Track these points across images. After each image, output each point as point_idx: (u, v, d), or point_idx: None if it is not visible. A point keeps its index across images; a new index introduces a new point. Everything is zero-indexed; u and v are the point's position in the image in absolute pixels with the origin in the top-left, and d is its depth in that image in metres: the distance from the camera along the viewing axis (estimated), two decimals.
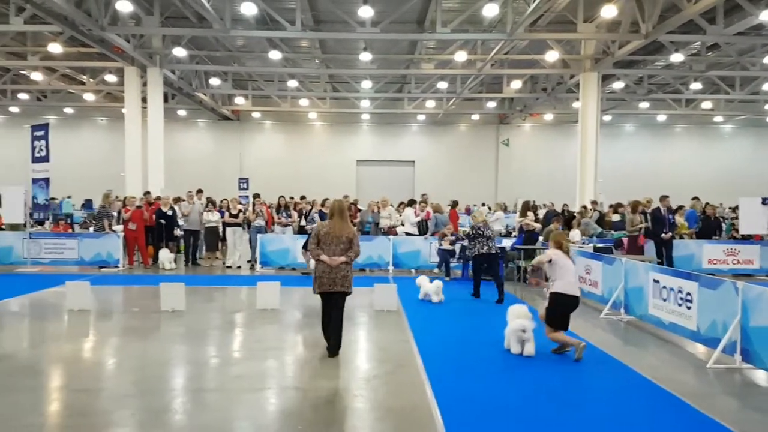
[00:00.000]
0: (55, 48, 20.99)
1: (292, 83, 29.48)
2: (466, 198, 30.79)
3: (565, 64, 23.74)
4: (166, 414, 5.55)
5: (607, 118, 34.60)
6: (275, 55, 22.22)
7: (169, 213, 16.37)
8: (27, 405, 5.69)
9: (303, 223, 16.45)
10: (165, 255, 15.67)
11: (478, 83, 29.74)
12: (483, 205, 28.52)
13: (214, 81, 29.14)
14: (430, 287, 11.51)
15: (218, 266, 16.31)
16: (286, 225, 16.51)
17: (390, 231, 16.59)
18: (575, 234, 15.53)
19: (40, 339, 8.59)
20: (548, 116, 36.35)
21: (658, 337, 9.00)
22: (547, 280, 8.56)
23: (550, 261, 7.86)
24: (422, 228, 16.32)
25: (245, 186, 29.81)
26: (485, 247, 11.56)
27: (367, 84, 28.87)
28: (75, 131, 35.84)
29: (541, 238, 14.23)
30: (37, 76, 27.48)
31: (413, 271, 15.53)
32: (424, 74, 27.26)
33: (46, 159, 14.90)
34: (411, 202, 17.49)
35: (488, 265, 11.79)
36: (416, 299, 11.53)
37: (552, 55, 21.28)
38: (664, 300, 8.93)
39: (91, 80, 28.97)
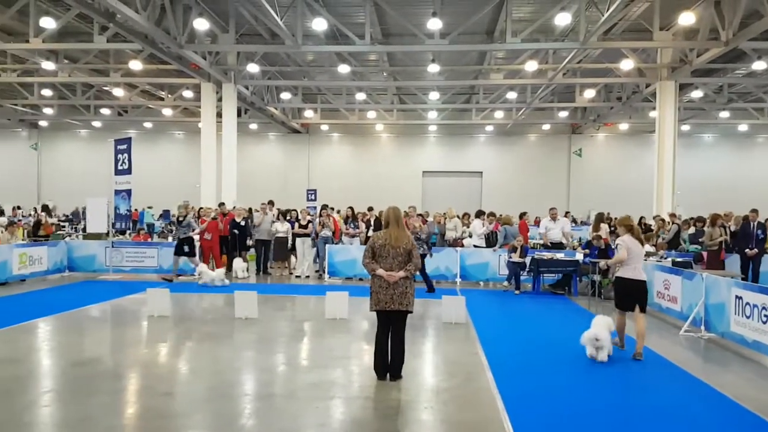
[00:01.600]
0: (135, 65, 22.05)
1: (360, 96, 29.87)
2: (537, 210, 30.23)
3: (640, 73, 23.02)
4: (241, 419, 5.67)
5: (686, 128, 33.30)
6: (344, 68, 22.57)
7: (243, 224, 16.84)
8: (110, 407, 5.94)
9: (370, 233, 16.56)
10: (238, 264, 16.09)
11: (550, 93, 29.24)
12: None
13: (285, 95, 29.91)
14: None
15: (287, 276, 16.61)
16: (353, 236, 16.66)
17: (456, 243, 16.46)
18: (648, 249, 14.91)
19: (122, 344, 8.96)
20: (623, 126, 35.32)
21: (741, 356, 8.54)
22: None
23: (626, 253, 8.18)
24: (491, 240, 16.11)
25: (313, 197, 30.33)
26: (421, 249, 13.18)
27: (434, 95, 28.89)
28: (154, 145, 37.45)
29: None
30: (118, 92, 28.95)
31: (481, 283, 15.35)
32: (493, 84, 27.05)
33: (128, 171, 15.61)
34: (479, 214, 17.31)
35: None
36: (485, 312, 11.37)
37: (627, 64, 20.68)
38: (748, 317, 8.47)
39: (170, 96, 30.27)
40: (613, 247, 10.51)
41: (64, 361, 7.81)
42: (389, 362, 6.87)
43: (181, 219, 15.37)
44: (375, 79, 27.60)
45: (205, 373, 7.29)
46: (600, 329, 7.84)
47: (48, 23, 18.06)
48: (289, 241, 16.79)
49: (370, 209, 18.88)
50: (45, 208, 19.10)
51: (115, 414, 5.76)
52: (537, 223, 27.25)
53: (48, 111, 33.76)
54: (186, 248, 14.91)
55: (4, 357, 7.86)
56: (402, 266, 6.72)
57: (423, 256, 13.85)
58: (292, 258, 17.25)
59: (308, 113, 33.90)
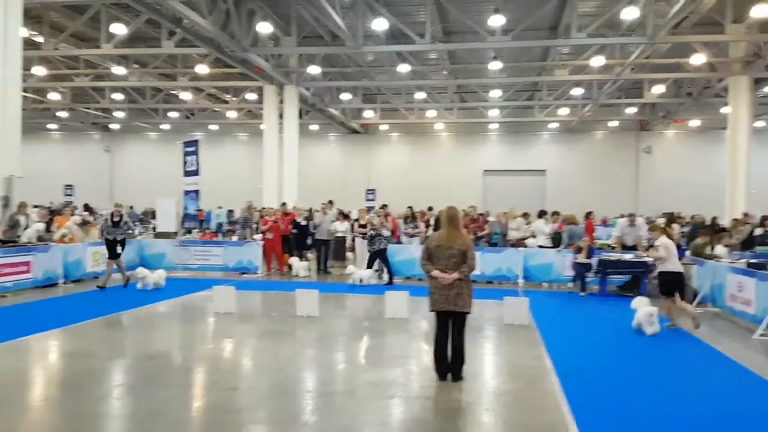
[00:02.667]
0: (201, 69, 22.71)
1: (420, 95, 29.78)
2: (603, 209, 29.43)
3: (712, 68, 22.05)
4: (303, 415, 5.73)
5: (760, 124, 31.62)
6: (404, 68, 22.57)
7: (303, 223, 17.07)
8: (178, 400, 6.11)
9: (430, 233, 16.47)
10: (299, 263, 16.32)
11: (616, 89, 28.33)
12: (621, 216, 27.03)
13: (345, 96, 30.16)
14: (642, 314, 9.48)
15: (347, 275, 16.69)
16: (413, 235, 16.62)
17: (519, 243, 16.17)
18: (721, 250, 14.18)
19: (190, 339, 9.21)
20: (694, 122, 33.90)
21: None
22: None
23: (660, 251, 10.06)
24: (555, 240, 15.73)
25: (372, 197, 30.45)
26: (383, 244, 14.81)
27: (496, 93, 28.51)
28: (219, 147, 38.46)
29: (688, 253, 13.23)
30: (185, 95, 29.91)
31: (545, 284, 15.04)
32: (558, 81, 26.48)
33: (196, 173, 16.07)
34: (541, 213, 16.96)
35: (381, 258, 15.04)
36: (549, 314, 11.12)
37: (698, 59, 19.85)
38: None
39: (234, 99, 31.04)
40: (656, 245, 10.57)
41: (135, 355, 8.10)
42: (449, 363, 6.79)
43: (117, 219, 13.60)
44: (435, 78, 27.47)
45: (268, 369, 7.41)
46: (650, 308, 9.53)
47: (118, 29, 18.81)
48: (348, 240, 16.91)
49: (430, 209, 18.81)
50: (87, 207, 19.87)
51: (182, 407, 5.92)
52: (603, 222, 26.53)
53: (119, 114, 35.21)
54: (119, 250, 13.48)
55: (79, 351, 8.20)
56: (456, 267, 6.59)
57: (383, 250, 15.03)
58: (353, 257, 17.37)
59: (368, 113, 34.08)
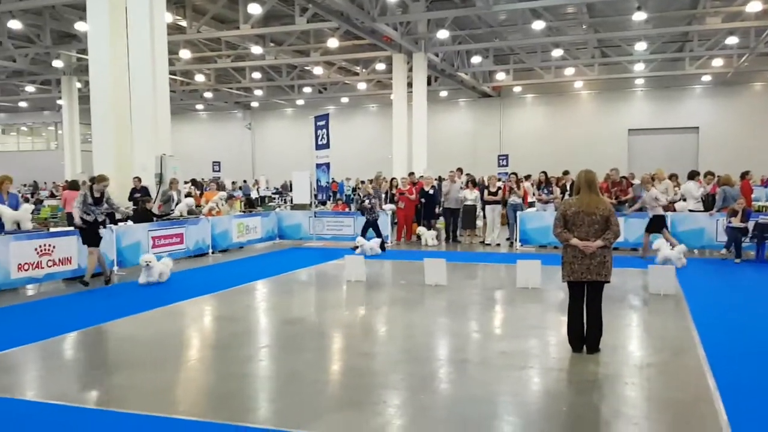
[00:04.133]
0: (333, 43, 23.18)
1: (557, 53, 28.35)
2: (763, 168, 26.65)
3: None
4: (434, 381, 5.73)
5: None
6: (538, 25, 21.58)
7: (431, 192, 17.02)
8: (314, 363, 6.35)
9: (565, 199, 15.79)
10: (428, 232, 16.35)
11: None
12: None
13: (476, 59, 29.45)
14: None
15: (477, 244, 16.51)
16: (546, 202, 16.03)
17: (667, 207, 15.01)
18: None
19: (325, 305, 9.59)
20: None
21: None
22: None
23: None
24: (708, 203, 14.42)
25: (505, 162, 29.74)
26: (374, 214, 15.00)
27: (641, 45, 26.51)
28: (349, 119, 39.37)
29: None
30: (318, 70, 30.77)
31: (696, 251, 13.93)
32: (710, 30, 24.12)
33: (327, 146, 16.52)
34: (692, 175, 15.60)
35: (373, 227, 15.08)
36: (699, 282, 10.27)
37: None
38: None
39: (363, 70, 31.49)
40: None
41: (276, 319, 8.55)
42: (585, 334, 6.47)
43: (98, 195, 10.69)
44: (573, 33, 25.98)
45: (399, 336, 7.51)
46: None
47: (255, 9, 19.63)
48: (478, 209, 16.63)
49: (566, 173, 17.99)
50: (194, 182, 20.98)
51: (319, 370, 6.14)
52: (763, 182, 24.07)
53: (258, 92, 37.03)
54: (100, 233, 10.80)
55: (225, 315, 8.81)
56: (598, 234, 6.23)
57: (375, 220, 15.09)
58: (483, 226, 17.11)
59: (500, 75, 33.10)
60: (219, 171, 32.88)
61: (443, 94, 36.55)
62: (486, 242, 16.31)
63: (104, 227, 11.03)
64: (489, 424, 4.80)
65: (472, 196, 16.44)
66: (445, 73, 29.84)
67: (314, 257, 14.25)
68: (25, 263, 10.15)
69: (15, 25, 22.04)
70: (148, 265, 10.74)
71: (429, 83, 28.14)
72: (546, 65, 30.68)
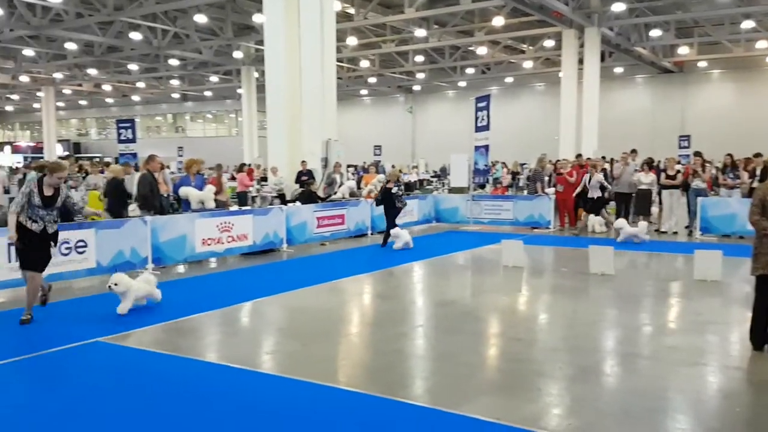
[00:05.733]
0: (498, 21, 22.68)
1: (747, 24, 25.37)
2: None
3: None
4: (594, 373, 5.47)
5: None
6: None
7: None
8: (467, 345, 6.31)
9: (755, 185, 14.15)
10: (595, 218, 15.51)
11: None
12: None
13: (655, 32, 27.22)
14: None
15: (651, 231, 15.37)
16: (732, 187, 14.48)
17: None
18: None
19: (480, 289, 9.49)
20: None
21: None
22: None
23: None
24: None
25: (686, 144, 27.36)
26: (398, 202, 12.95)
27: None
28: (513, 99, 38.42)
29: None
30: (482, 50, 30.33)
31: None
32: None
33: (486, 128, 16.27)
34: None
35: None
36: None
37: None
38: None
39: (530, 48, 30.51)
40: None
41: (430, 300, 8.64)
42: None
43: (50, 194, 7.09)
44: (766, 3, 23.07)
45: (557, 324, 7.24)
46: None
47: None
48: (654, 193, 15.45)
49: (758, 155, 16.09)
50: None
51: (472, 352, 6.09)
52: None
53: (420, 76, 37.39)
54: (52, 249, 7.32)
55: (381, 293, 9.09)
56: None
57: (397, 210, 13.05)
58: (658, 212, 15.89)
59: (683, 50, 30.37)
60: (380, 155, 33.80)
61: (618, 70, 34.34)
62: (662, 230, 15.15)
63: (54, 243, 7.33)
64: (652, 418, 4.49)
65: (647, 179, 15.28)
66: (621, 48, 27.97)
67: (471, 241, 14.15)
68: (208, 238, 11.17)
69: (201, 18, 24.20)
70: (115, 286, 7.29)
71: (602, 59, 26.57)
72: (735, 38, 27.65)
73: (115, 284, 7.29)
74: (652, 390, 5.01)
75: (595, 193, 14.39)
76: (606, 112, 28.27)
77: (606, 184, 14.94)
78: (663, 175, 15.17)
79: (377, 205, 13.48)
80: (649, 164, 15.89)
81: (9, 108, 53.82)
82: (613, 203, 16.25)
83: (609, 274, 9.68)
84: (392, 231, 12.86)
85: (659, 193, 15.49)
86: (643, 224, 13.32)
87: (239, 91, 36.72)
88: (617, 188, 15.77)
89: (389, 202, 12.93)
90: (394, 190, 13.07)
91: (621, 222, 13.55)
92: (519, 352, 6.06)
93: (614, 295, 8.66)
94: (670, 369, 5.54)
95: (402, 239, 12.66)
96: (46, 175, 7.14)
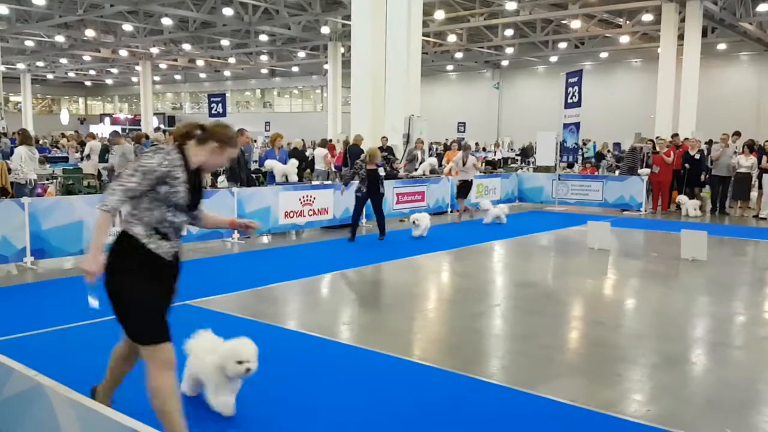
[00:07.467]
0: None
1: None
2: None
3: None
4: (680, 361, 5.23)
5: None
6: None
7: (697, 157, 15.26)
8: (547, 327, 6.17)
9: None
10: (689, 201, 14.76)
11: None
12: None
13: (763, 7, 25.21)
14: None
15: (749, 217, 14.48)
16: None
17: None
18: None
19: (562, 271, 9.28)
20: None
21: None
22: None
23: None
24: None
25: None
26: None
27: None
28: (607, 75, 36.78)
29: None
30: (576, 24, 29.13)
31: None
32: None
33: (577, 104, 15.67)
34: None
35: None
36: None
37: None
38: None
39: (627, 22, 29.05)
40: None
41: (510, 280, 8.52)
42: None
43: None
44: None
45: (643, 310, 6.98)
46: None
47: None
48: (754, 177, 14.49)
49: None
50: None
51: (551, 334, 5.95)
52: None
53: (509, 50, 36.42)
54: None
55: (461, 272, 9.06)
56: None
57: (380, 196, 10.89)
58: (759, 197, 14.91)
59: None
60: (464, 132, 33.31)
61: (721, 47, 32.14)
62: (761, 216, 14.24)
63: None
64: (738, 410, 4.26)
65: (747, 162, 14.37)
66: (725, 23, 26.12)
67: (555, 221, 13.79)
68: (291, 211, 11.43)
69: None
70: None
71: (705, 35, 24.95)
72: None
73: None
74: (740, 381, 4.76)
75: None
76: (706, 90, 26.61)
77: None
78: (765, 158, 14.19)
79: (357, 192, 10.83)
80: (750, 146, 14.89)
81: (109, 81, 56.71)
82: (707, 186, 15.40)
83: (701, 260, 9.20)
84: (482, 203, 13.55)
85: (759, 177, 14.54)
86: (503, 206, 13.68)
87: (325, 66, 37.10)
88: (715, 171, 14.93)
89: (373, 186, 10.71)
90: (381, 172, 11.02)
91: (486, 203, 13.65)
92: (601, 337, 5.87)
93: (706, 282, 8.27)
94: (763, 361, 5.25)
95: (492, 214, 13.25)
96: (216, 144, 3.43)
